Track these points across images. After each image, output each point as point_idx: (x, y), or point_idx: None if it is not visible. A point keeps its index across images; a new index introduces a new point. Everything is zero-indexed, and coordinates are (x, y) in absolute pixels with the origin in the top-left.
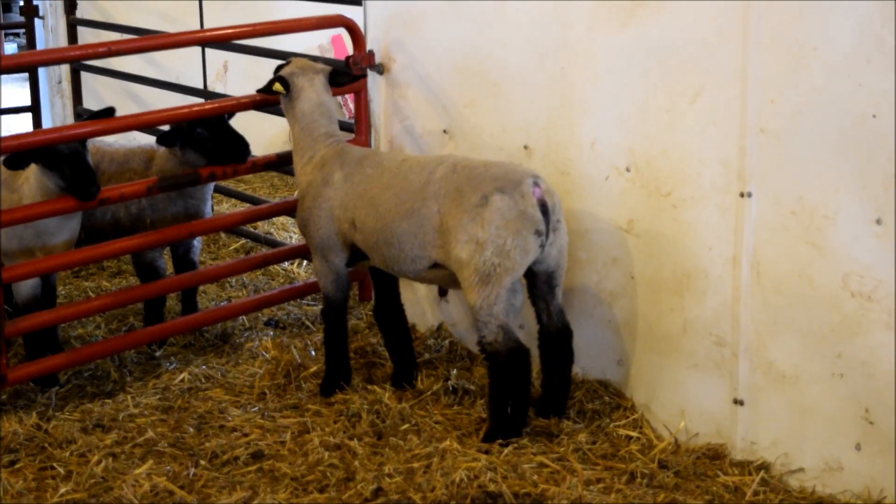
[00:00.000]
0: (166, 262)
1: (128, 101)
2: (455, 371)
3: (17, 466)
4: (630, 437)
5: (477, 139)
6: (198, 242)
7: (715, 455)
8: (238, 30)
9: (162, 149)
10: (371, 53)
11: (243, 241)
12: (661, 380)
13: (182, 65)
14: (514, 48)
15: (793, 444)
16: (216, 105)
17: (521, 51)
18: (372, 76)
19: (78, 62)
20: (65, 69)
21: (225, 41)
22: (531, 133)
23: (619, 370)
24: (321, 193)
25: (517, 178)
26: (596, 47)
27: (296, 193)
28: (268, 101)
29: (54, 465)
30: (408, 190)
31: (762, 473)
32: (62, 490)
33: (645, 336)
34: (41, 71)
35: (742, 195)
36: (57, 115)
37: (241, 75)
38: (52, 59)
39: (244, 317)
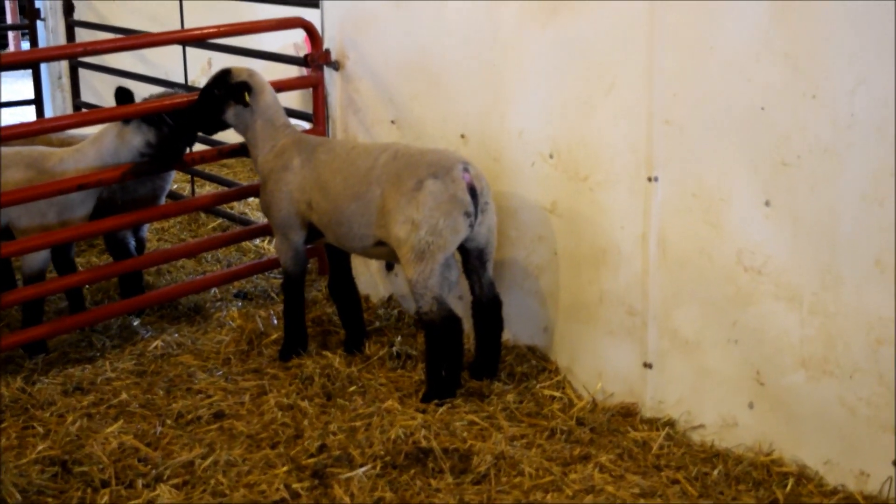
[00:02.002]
0: None
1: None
2: (399, 338)
3: (2, 426)
4: (553, 397)
5: (420, 129)
6: (147, 224)
7: (627, 413)
8: (204, 31)
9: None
10: (328, 51)
11: (220, 220)
12: (582, 345)
13: (169, 62)
14: (451, 45)
15: (694, 403)
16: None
17: (457, 47)
18: (329, 72)
19: (76, 59)
20: (64, 65)
21: (191, 41)
22: (467, 123)
23: (545, 336)
24: (282, 178)
25: (449, 165)
26: (522, 44)
27: (257, 179)
28: None
29: (34, 424)
30: (355, 175)
31: (667, 429)
32: (40, 447)
33: (567, 306)
34: (43, 67)
35: (650, 179)
36: (58, 107)
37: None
38: (36, 57)
39: (216, 289)
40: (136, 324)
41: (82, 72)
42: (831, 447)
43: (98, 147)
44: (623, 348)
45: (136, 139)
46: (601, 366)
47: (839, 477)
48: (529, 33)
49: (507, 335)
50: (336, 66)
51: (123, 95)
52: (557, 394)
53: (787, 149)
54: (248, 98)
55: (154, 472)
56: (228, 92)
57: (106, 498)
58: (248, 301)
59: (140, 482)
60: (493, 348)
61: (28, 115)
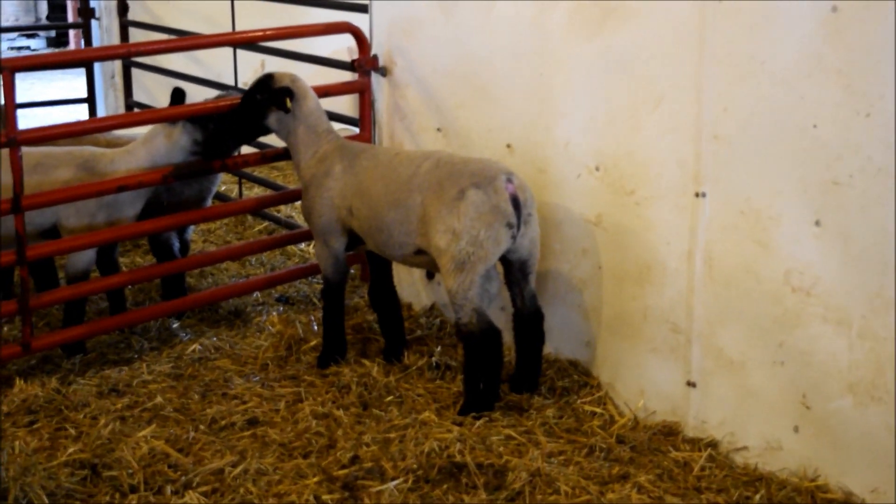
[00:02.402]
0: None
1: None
2: (439, 348)
3: (35, 426)
4: (594, 413)
5: (466, 138)
6: (192, 225)
7: (669, 432)
8: (250, 34)
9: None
10: (375, 57)
11: (267, 223)
12: (624, 361)
13: (222, 64)
14: (498, 54)
15: (738, 425)
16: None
17: (505, 57)
18: (376, 78)
19: (128, 59)
20: (117, 65)
21: (237, 44)
22: (513, 133)
23: (587, 351)
24: (323, 184)
25: (492, 175)
26: (570, 54)
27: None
28: None
29: (66, 426)
30: (396, 182)
31: (710, 450)
32: (70, 450)
33: (610, 321)
34: (97, 66)
35: (697, 195)
36: (110, 106)
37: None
38: (71, 59)
39: (258, 293)
40: (175, 326)
41: (135, 71)
42: (878, 475)
43: (148, 148)
44: (666, 366)
45: (183, 139)
46: (643, 383)
47: None
48: (577, 44)
49: (549, 349)
50: (383, 71)
51: (178, 96)
52: (598, 410)
53: (838, 168)
54: (289, 104)
55: (183, 478)
56: (271, 97)
57: (133, 503)
58: (290, 306)
59: (169, 488)
60: (533, 362)
61: (81, 113)
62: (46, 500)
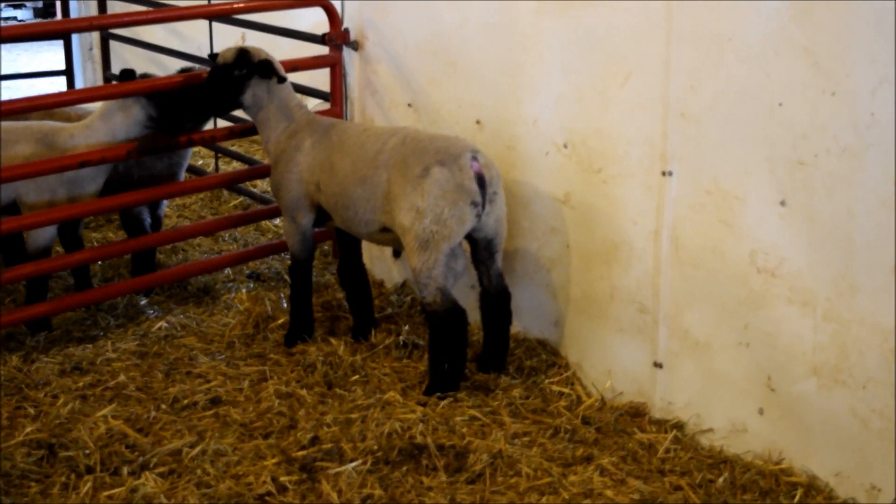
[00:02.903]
0: None
1: (152, 67)
2: (407, 327)
3: None
4: (562, 394)
5: (436, 113)
6: (166, 201)
7: (636, 413)
8: (219, 7)
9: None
10: (346, 31)
11: (242, 198)
12: (592, 341)
13: (202, 36)
14: (469, 30)
15: (704, 406)
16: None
17: (475, 32)
18: (348, 53)
19: (106, 31)
20: (95, 37)
21: (208, 17)
22: (483, 109)
23: (555, 330)
24: (292, 158)
25: (457, 152)
26: (540, 31)
27: (267, 161)
28: None
29: (26, 405)
30: (363, 158)
31: (675, 432)
32: (28, 429)
33: (578, 300)
34: (74, 38)
35: (664, 174)
36: (88, 78)
37: (257, 45)
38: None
39: (230, 269)
40: (143, 303)
41: (113, 44)
42: (842, 459)
43: (107, 122)
44: (633, 347)
45: (140, 114)
46: (611, 363)
47: (850, 490)
48: (547, 20)
49: (518, 328)
50: (355, 46)
51: (126, 76)
52: (566, 390)
53: (804, 147)
54: (282, 73)
55: (141, 459)
56: (253, 70)
57: (89, 485)
58: (261, 283)
59: (126, 469)
60: (500, 341)
61: (59, 85)
62: (0, 482)
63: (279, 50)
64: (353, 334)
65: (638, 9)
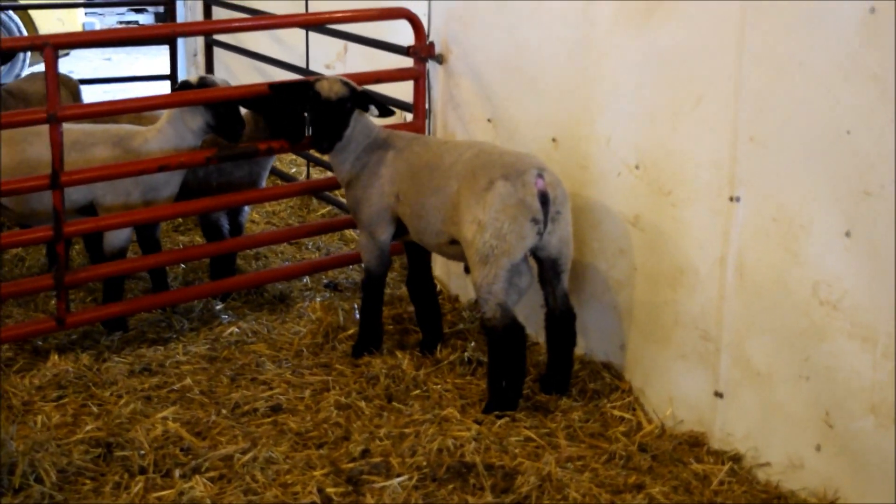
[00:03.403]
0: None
1: (255, 74)
2: (473, 343)
3: (62, 402)
4: (622, 419)
5: (514, 130)
6: (247, 208)
7: (695, 442)
8: (300, 18)
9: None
10: (432, 44)
11: (330, 207)
12: (655, 366)
13: (302, 45)
14: (546, 46)
15: (762, 439)
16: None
17: (552, 49)
18: (433, 66)
19: (210, 38)
20: (200, 43)
21: (289, 27)
22: (558, 126)
23: (620, 354)
24: (375, 172)
25: (522, 168)
26: (614, 49)
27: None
28: None
29: (89, 403)
30: (440, 168)
31: (730, 464)
32: (88, 427)
33: (643, 324)
34: (179, 44)
35: (731, 199)
36: None
37: (359, 56)
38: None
39: (308, 278)
40: (218, 308)
41: (217, 50)
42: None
43: (176, 127)
44: (695, 374)
45: (197, 120)
46: (673, 390)
47: None
48: (622, 39)
49: (584, 350)
50: (440, 59)
51: (184, 86)
52: (627, 415)
53: (870, 177)
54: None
55: (193, 462)
56: (358, 103)
57: (140, 485)
58: (338, 292)
59: (178, 472)
60: (564, 362)
61: (164, 89)
62: (54, 478)
63: (377, 62)
64: (421, 348)
65: (710, 28)
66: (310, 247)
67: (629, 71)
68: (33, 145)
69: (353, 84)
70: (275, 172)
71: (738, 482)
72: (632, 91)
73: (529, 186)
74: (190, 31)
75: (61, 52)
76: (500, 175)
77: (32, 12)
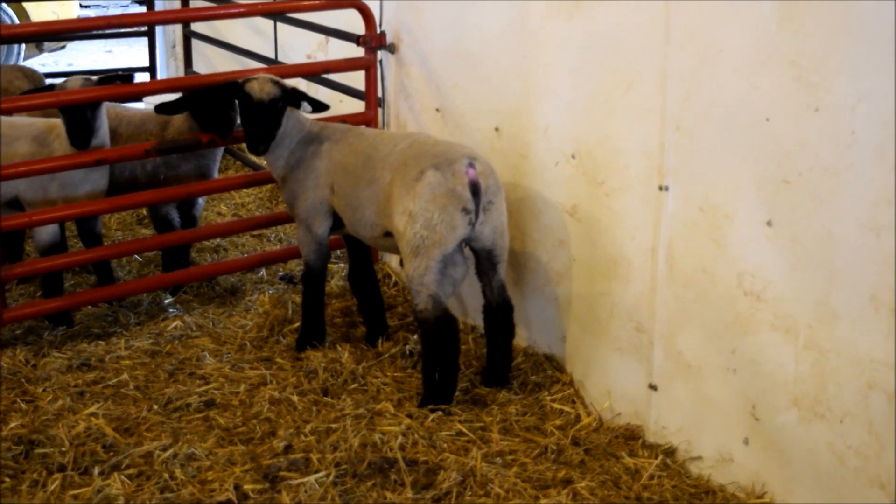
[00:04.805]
0: None
1: (235, 65)
2: (416, 336)
3: None
4: (561, 412)
5: (460, 119)
6: (201, 200)
7: (630, 436)
8: (251, 8)
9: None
10: (383, 34)
11: None
12: (593, 359)
13: (285, 36)
14: (488, 33)
15: (694, 433)
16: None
17: (493, 35)
18: (386, 55)
19: (188, 29)
20: (179, 35)
21: (238, 16)
22: (500, 116)
23: (562, 346)
24: (310, 165)
25: (453, 158)
26: (549, 36)
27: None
28: None
29: (17, 399)
30: (374, 159)
31: (663, 458)
32: (12, 424)
33: (582, 316)
34: (158, 36)
35: (661, 188)
36: (171, 75)
37: (341, 46)
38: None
39: (264, 271)
40: (167, 302)
41: (196, 42)
42: (821, 496)
43: None
44: (631, 367)
45: None
46: (610, 383)
47: None
48: (556, 25)
49: (528, 342)
50: (392, 49)
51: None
52: (566, 408)
53: (789, 165)
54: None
55: (114, 459)
56: (290, 101)
57: (57, 483)
58: (293, 285)
59: (97, 469)
60: (503, 355)
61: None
62: None
63: (358, 51)
64: (367, 341)
65: (638, 11)
66: (272, 238)
67: (563, 56)
68: None
69: (283, 82)
70: (248, 163)
71: (668, 476)
72: (566, 79)
73: (460, 176)
74: (128, 21)
75: (57, 45)
76: (431, 165)
77: (27, 4)
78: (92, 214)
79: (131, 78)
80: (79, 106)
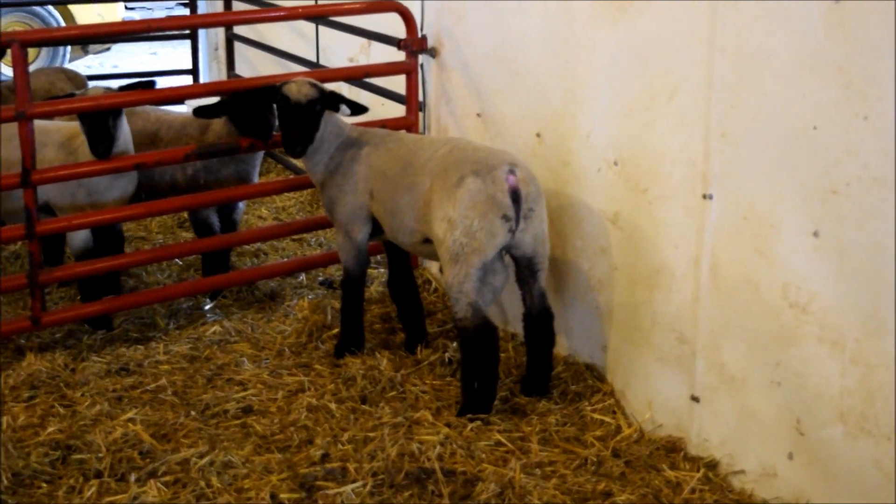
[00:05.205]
0: None
1: (277, 68)
2: (455, 343)
3: (33, 402)
4: (602, 422)
5: (501, 124)
6: (242, 204)
7: (672, 448)
8: (291, 12)
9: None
10: (424, 38)
11: None
12: (635, 369)
13: (326, 40)
14: (531, 40)
15: (737, 446)
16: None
17: (536, 41)
18: (427, 59)
19: (231, 32)
20: (221, 38)
21: (271, 21)
22: (542, 122)
23: (602, 355)
24: (349, 170)
25: (494, 164)
26: (592, 43)
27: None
28: None
29: (55, 404)
30: (414, 165)
31: (704, 471)
32: (50, 429)
33: (623, 325)
34: (201, 39)
35: (704, 197)
36: (213, 77)
37: (383, 50)
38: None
39: (304, 275)
40: (206, 307)
41: (238, 45)
42: None
43: None
44: (672, 378)
45: None
46: (651, 394)
47: None
48: (600, 29)
49: (568, 351)
50: (433, 53)
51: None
52: (607, 419)
53: (837, 175)
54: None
55: (150, 466)
56: (328, 104)
57: (94, 489)
58: (332, 290)
59: (133, 476)
60: (543, 363)
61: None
62: (6, 482)
63: (399, 55)
64: (406, 348)
65: (683, 17)
66: (312, 243)
67: (607, 63)
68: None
69: (321, 85)
70: (289, 167)
71: (710, 490)
72: (609, 85)
73: (500, 182)
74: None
75: (102, 47)
76: (471, 171)
77: (72, 7)
78: (131, 219)
79: (153, 84)
80: (100, 115)
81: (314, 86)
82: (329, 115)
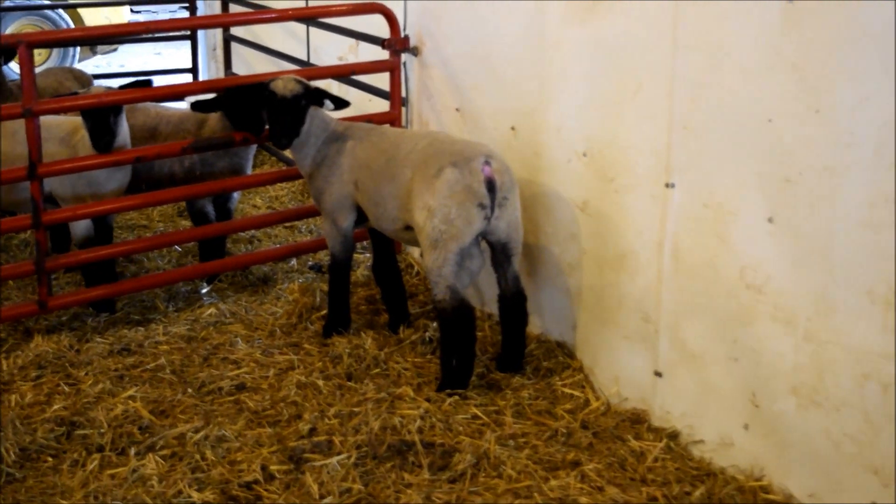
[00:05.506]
0: None
1: (271, 67)
2: (434, 323)
3: (40, 381)
4: (571, 396)
5: (479, 119)
6: (236, 194)
7: (637, 420)
8: (282, 14)
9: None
10: (407, 37)
11: None
12: (602, 346)
13: (318, 40)
14: (507, 40)
15: (697, 418)
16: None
17: (511, 39)
18: (409, 57)
19: (228, 33)
20: (219, 38)
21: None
22: (517, 116)
23: (572, 334)
24: (335, 162)
25: (470, 155)
26: (563, 41)
27: (304, 174)
28: None
29: (61, 383)
30: (396, 157)
31: (665, 441)
32: (55, 406)
33: (592, 306)
34: (200, 39)
35: (667, 185)
36: (212, 76)
37: (371, 49)
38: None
39: (295, 260)
40: (204, 290)
41: (234, 45)
42: (816, 480)
43: None
44: (637, 354)
45: None
46: (618, 369)
47: None
48: (570, 31)
49: (540, 329)
50: (415, 52)
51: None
52: (577, 393)
53: (791, 164)
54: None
55: (149, 440)
56: (313, 99)
57: (96, 462)
58: (321, 274)
59: (133, 450)
60: (516, 342)
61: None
62: (14, 456)
63: (384, 54)
64: (389, 328)
65: (647, 16)
66: (303, 230)
67: (576, 60)
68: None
69: (307, 82)
70: (282, 159)
71: (672, 459)
72: (580, 81)
73: (476, 173)
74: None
75: (109, 48)
76: (449, 162)
77: (81, 10)
78: (134, 209)
79: (150, 83)
80: (101, 112)
81: (299, 82)
82: (315, 111)
